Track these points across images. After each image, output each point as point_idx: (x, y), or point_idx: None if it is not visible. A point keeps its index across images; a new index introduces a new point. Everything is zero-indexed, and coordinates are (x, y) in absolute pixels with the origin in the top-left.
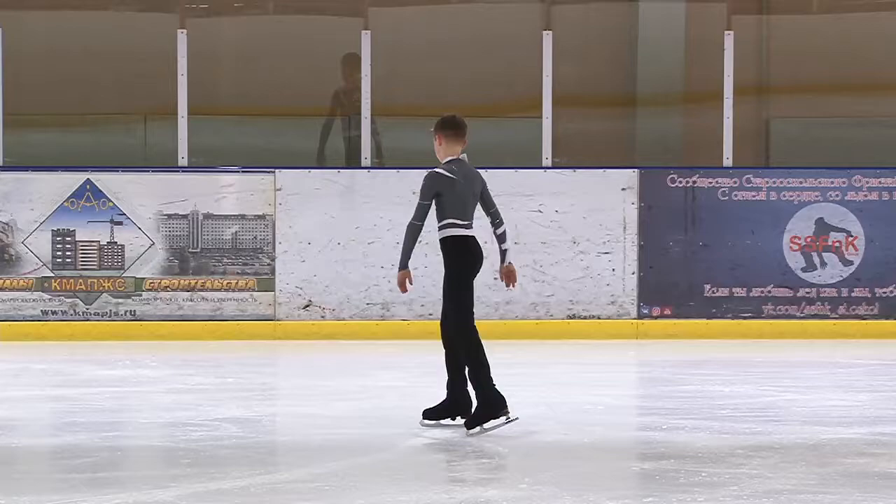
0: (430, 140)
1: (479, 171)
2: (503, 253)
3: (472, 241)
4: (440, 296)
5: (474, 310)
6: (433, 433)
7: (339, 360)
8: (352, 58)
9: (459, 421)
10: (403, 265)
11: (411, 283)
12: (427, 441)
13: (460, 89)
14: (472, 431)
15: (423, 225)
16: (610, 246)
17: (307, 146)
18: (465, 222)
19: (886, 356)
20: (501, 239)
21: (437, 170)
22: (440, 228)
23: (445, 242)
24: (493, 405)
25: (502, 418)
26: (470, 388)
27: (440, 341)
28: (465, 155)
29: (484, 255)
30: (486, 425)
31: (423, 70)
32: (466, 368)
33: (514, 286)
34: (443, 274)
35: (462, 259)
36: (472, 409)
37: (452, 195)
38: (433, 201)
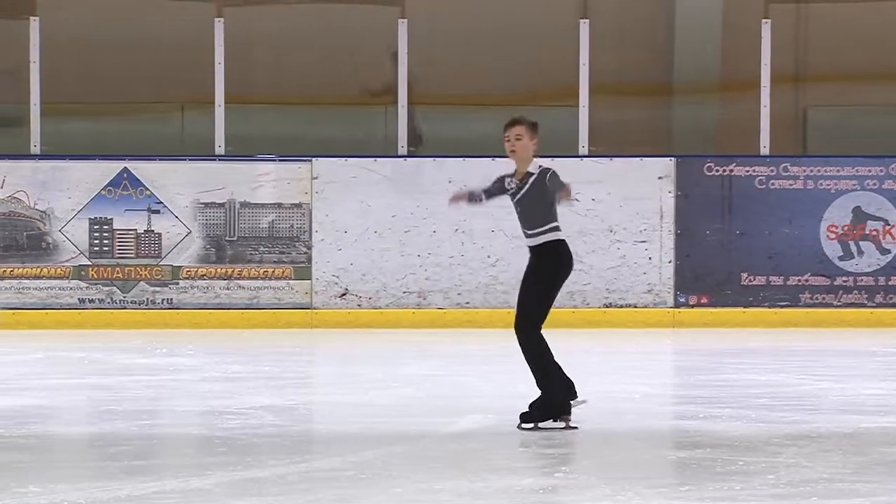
0: (466, 128)
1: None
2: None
3: (567, 246)
4: (475, 284)
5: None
6: (467, 422)
7: (375, 349)
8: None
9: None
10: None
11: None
12: (461, 430)
13: (497, 78)
14: (525, 426)
15: (482, 200)
16: (647, 235)
17: (344, 134)
18: (559, 224)
19: None
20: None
21: (553, 169)
22: (546, 231)
23: (551, 246)
24: (556, 407)
25: (560, 423)
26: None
27: (475, 329)
28: None
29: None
30: (540, 424)
31: (460, 59)
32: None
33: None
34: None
35: (564, 263)
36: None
37: (548, 198)
38: (542, 199)
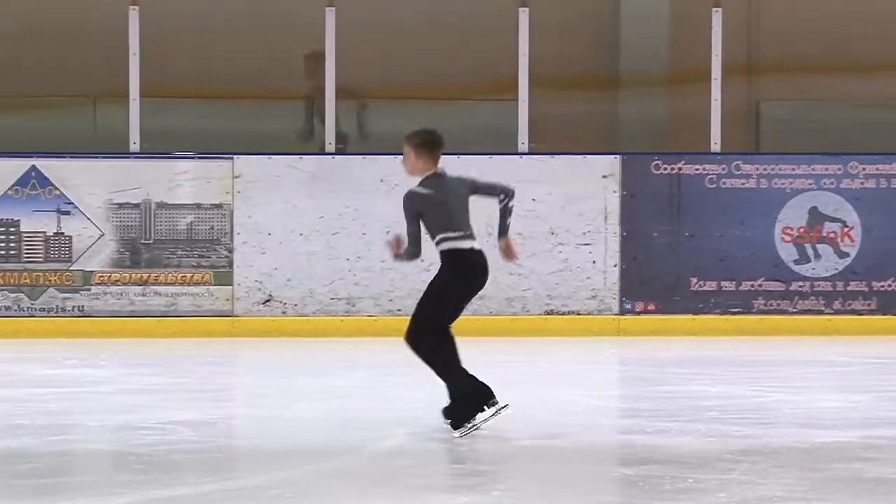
0: (397, 123)
1: (457, 173)
2: (504, 227)
3: (471, 254)
4: (408, 290)
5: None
6: (400, 436)
7: (301, 359)
8: (316, 55)
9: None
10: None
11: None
12: (394, 445)
13: (430, 69)
14: (460, 433)
15: (419, 252)
16: (590, 237)
17: (268, 130)
18: (460, 233)
19: (884, 354)
20: (504, 213)
21: (413, 189)
22: (437, 244)
23: (443, 255)
24: (476, 396)
25: (491, 409)
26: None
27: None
28: (442, 166)
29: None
30: (475, 421)
31: (390, 49)
32: (435, 367)
33: (514, 260)
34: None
35: (456, 273)
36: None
37: (436, 211)
38: (419, 223)
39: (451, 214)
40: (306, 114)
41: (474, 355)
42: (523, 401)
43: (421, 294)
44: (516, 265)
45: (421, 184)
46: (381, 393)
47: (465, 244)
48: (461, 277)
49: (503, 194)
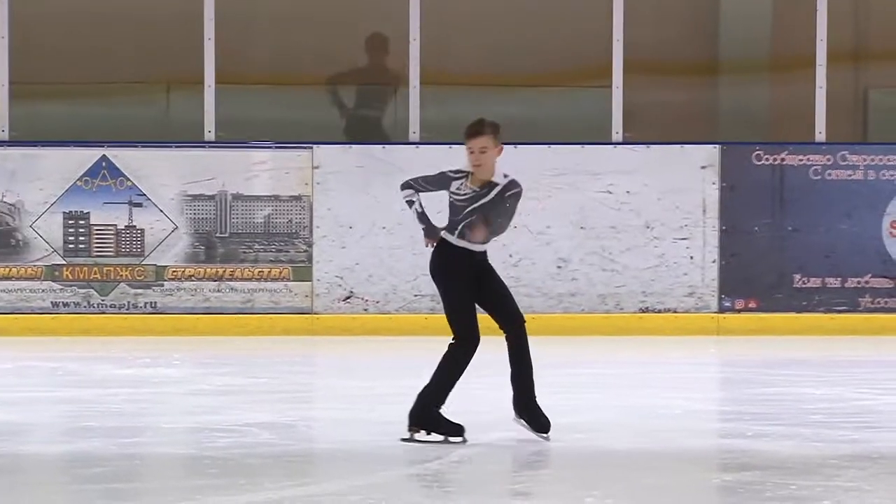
0: (488, 111)
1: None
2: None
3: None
4: None
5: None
6: (489, 439)
7: (383, 359)
8: (376, 38)
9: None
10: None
11: None
12: (481, 449)
13: (520, 56)
14: (410, 434)
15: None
16: (688, 231)
17: (347, 119)
18: None
19: None
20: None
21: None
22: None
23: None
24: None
25: (439, 437)
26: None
27: (494, 336)
28: None
29: None
30: (418, 436)
31: (479, 34)
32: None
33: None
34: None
35: None
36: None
37: None
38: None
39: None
40: (331, 98)
41: (563, 356)
42: (618, 404)
43: (502, 286)
44: (609, 260)
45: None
46: (467, 394)
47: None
48: None
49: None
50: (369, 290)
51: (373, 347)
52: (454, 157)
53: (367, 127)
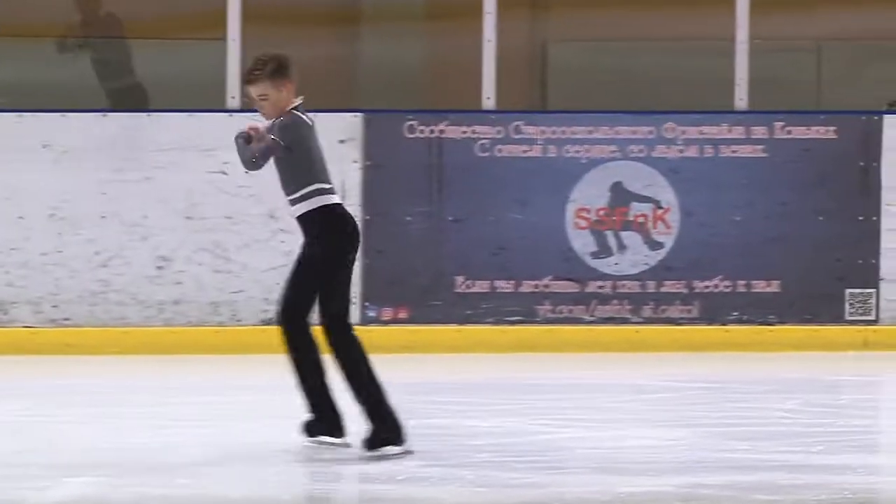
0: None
1: None
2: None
3: (345, 211)
4: (79, 293)
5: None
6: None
7: None
8: None
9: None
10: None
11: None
12: (62, 499)
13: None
14: (373, 453)
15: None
16: None
17: None
18: (331, 185)
19: (709, 376)
20: None
21: (296, 113)
22: (303, 199)
23: (314, 215)
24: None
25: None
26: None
27: (79, 356)
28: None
29: None
30: (387, 450)
31: None
32: (350, 380)
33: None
34: None
35: (340, 236)
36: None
37: (316, 150)
38: (286, 159)
39: (323, 161)
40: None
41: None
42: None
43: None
44: (224, 258)
45: (297, 111)
46: (41, 429)
47: (338, 200)
48: (345, 238)
49: None
50: None
51: None
52: (27, 126)
53: None
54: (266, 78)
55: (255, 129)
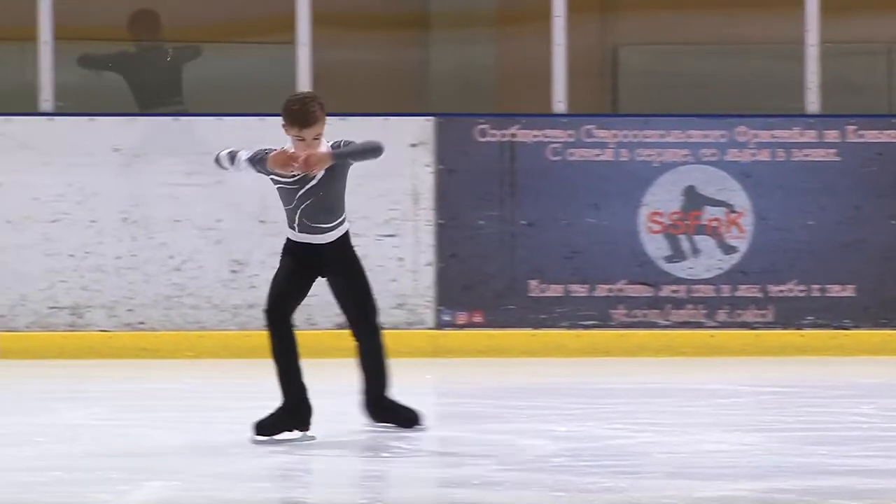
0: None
1: None
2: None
3: None
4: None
5: None
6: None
7: (10, 388)
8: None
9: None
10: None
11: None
12: (141, 502)
13: (188, 6)
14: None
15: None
16: (395, 226)
17: None
18: None
19: (784, 380)
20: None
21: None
22: (342, 223)
23: (345, 238)
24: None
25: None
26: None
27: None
28: None
29: None
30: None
31: None
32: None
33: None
34: None
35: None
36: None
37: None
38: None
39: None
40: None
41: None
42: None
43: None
44: None
45: None
46: (119, 433)
47: None
48: None
49: None
50: None
51: None
52: (98, 131)
53: None
54: (323, 118)
55: (299, 159)
